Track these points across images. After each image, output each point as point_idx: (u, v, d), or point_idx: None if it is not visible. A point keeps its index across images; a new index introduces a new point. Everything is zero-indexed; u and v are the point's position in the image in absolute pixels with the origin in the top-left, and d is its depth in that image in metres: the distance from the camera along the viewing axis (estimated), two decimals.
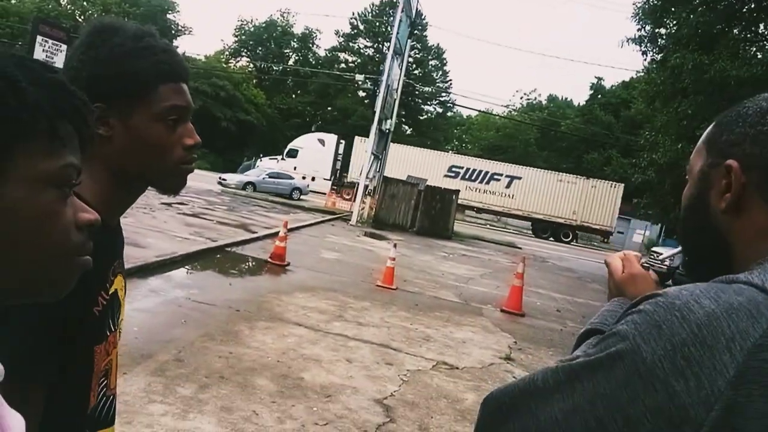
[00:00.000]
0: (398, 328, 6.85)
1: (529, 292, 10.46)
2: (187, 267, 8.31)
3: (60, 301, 0.81)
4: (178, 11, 56.93)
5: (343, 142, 34.98)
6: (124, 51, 0.92)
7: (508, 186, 32.61)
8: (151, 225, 10.84)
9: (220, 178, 26.79)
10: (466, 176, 33.18)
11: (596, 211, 31.52)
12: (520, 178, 32.47)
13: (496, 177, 32.85)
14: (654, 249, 19.69)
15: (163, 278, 7.33)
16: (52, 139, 0.55)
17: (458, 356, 6.18)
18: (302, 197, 27.38)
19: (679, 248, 0.87)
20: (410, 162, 31.52)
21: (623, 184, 30.54)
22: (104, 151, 0.92)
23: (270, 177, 27.50)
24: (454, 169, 33.36)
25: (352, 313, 7.16)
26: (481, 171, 33.45)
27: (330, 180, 31.41)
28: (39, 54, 14.44)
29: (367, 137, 21.29)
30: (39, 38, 14.94)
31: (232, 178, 26.63)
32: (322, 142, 34.41)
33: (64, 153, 0.56)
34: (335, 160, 34.03)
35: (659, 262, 17.47)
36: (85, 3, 50.25)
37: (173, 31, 56.22)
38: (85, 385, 0.92)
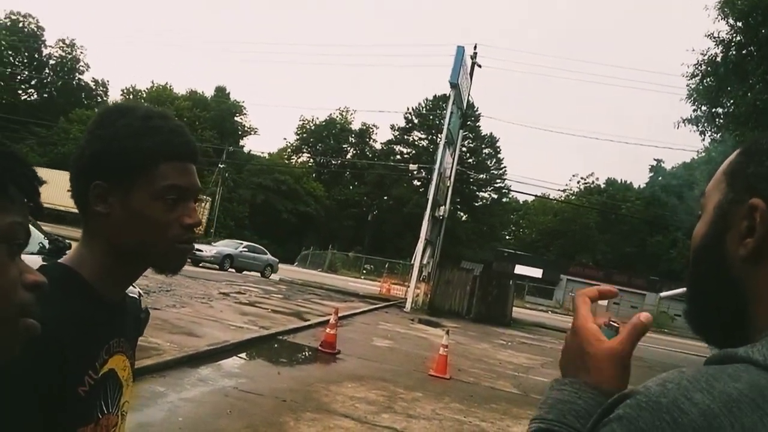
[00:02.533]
0: (451, 421, 6.48)
1: None
2: (237, 356, 8.30)
3: (36, 378, 0.79)
4: (246, 114, 61.03)
5: None
6: (129, 131, 0.93)
7: None
8: (208, 314, 11.02)
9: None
10: None
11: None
12: None
13: None
14: None
15: (213, 367, 7.32)
16: (1, 198, 0.58)
17: None
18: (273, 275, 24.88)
19: (682, 289, 0.71)
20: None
21: None
22: (103, 227, 0.93)
23: (248, 251, 24.91)
24: None
25: (403, 405, 6.86)
26: None
27: None
28: None
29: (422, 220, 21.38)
30: None
31: (210, 250, 23.27)
32: None
33: (13, 211, 0.59)
34: None
35: None
36: (160, 110, 55.11)
37: (240, 132, 60.32)
38: None
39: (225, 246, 24.58)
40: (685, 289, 0.73)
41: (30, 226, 0.63)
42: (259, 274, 24.48)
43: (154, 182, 0.93)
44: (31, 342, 0.77)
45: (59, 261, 0.96)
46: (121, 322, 1.00)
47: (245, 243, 26.08)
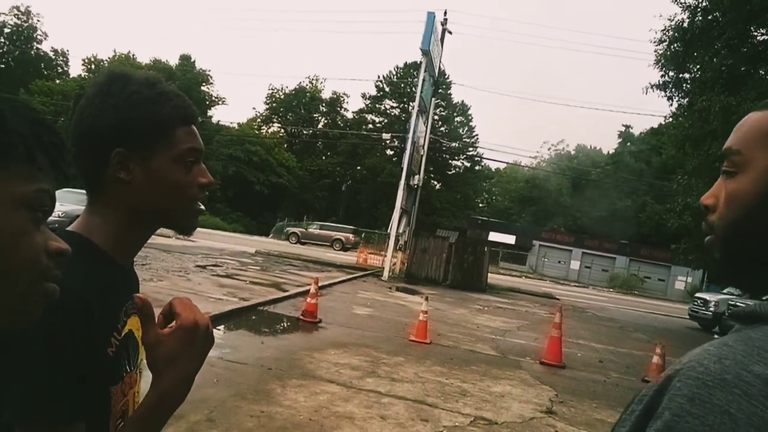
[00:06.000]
0: (433, 383, 6.67)
1: (569, 344, 10.12)
2: (219, 327, 8.33)
3: (72, 342, 0.82)
4: (212, 83, 59.52)
5: None
6: (142, 97, 0.95)
7: None
8: (186, 287, 10.98)
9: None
10: None
11: None
12: None
13: None
14: (698, 295, 18.98)
15: None
16: (30, 164, 0.58)
17: (497, 411, 5.95)
18: None
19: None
20: None
21: None
22: (123, 194, 0.95)
23: None
24: None
25: (386, 369, 7.02)
26: None
27: None
28: None
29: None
30: None
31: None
32: None
33: (40, 179, 0.59)
34: None
35: (704, 308, 16.94)
36: (154, 74, 53.54)
37: (207, 102, 58.93)
38: (103, 427, 0.91)
39: (74, 203, 11.02)
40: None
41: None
42: None
43: (174, 147, 0.96)
44: (64, 307, 0.81)
45: (69, 229, 0.97)
46: (132, 285, 1.05)
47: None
